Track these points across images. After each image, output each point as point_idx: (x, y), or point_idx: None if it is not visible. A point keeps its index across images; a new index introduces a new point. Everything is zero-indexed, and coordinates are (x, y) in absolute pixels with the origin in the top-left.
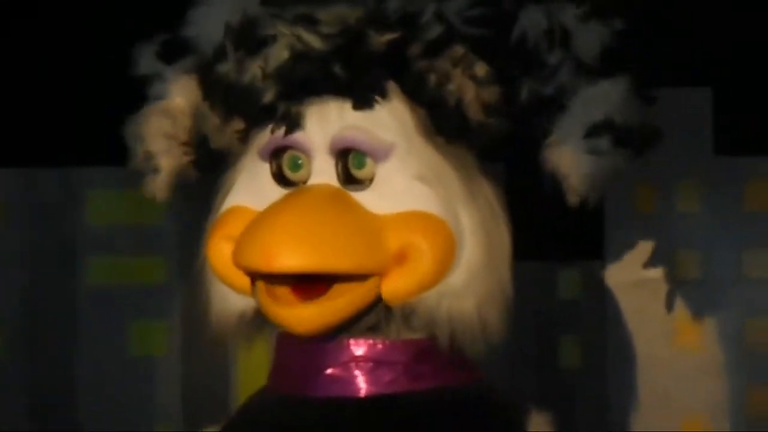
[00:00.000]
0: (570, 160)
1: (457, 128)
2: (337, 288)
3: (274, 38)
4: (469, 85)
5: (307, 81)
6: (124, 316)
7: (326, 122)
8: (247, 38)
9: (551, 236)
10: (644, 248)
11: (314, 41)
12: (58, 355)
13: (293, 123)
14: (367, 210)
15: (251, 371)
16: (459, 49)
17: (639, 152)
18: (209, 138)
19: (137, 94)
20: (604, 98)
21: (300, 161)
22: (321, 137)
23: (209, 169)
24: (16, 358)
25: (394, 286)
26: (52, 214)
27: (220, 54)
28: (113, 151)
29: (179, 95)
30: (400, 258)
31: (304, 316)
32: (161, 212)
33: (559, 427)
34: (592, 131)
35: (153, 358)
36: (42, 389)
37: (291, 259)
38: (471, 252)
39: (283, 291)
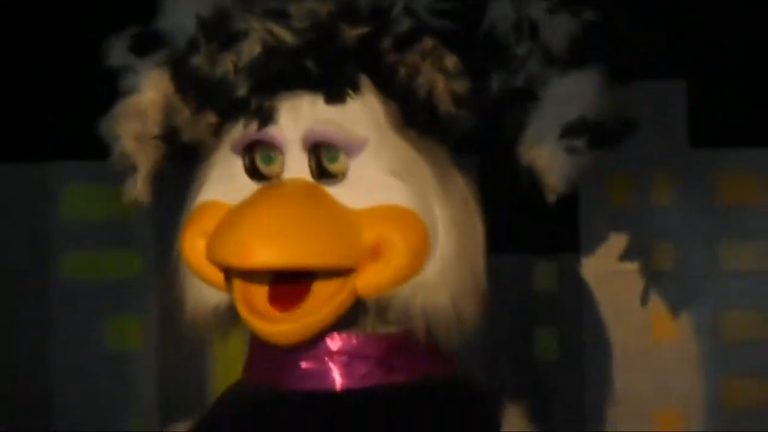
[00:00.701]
0: (547, 160)
1: (427, 121)
2: (316, 292)
3: (246, 33)
4: (438, 78)
5: (279, 75)
6: (99, 311)
7: (299, 117)
8: (220, 32)
9: (527, 229)
10: (619, 240)
11: (286, 36)
12: (33, 350)
13: (266, 117)
14: (341, 204)
15: (227, 364)
16: (428, 42)
17: (615, 145)
18: (181, 131)
19: (111, 87)
20: (577, 92)
21: (273, 156)
22: (294, 132)
23: (181, 162)
24: None
25: (369, 281)
26: (26, 210)
27: (192, 47)
28: (88, 145)
29: (151, 88)
30: (375, 252)
31: (282, 332)
32: (136, 207)
33: (536, 419)
34: (568, 131)
35: (129, 352)
36: (18, 384)
37: (265, 255)
38: (445, 245)
39: (261, 297)
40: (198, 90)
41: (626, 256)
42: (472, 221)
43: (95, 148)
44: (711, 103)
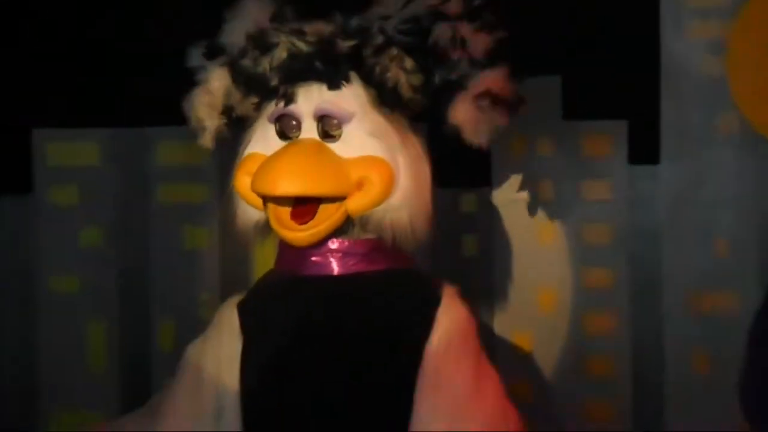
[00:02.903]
0: (467, 122)
1: (394, 102)
2: (321, 211)
3: (277, 44)
4: (401, 74)
5: (298, 72)
6: (181, 223)
7: (311, 98)
8: (260, 44)
9: (457, 171)
10: (518, 179)
11: (303, 46)
12: (137, 251)
13: (289, 99)
14: (338, 155)
15: (265, 258)
16: (394, 51)
17: (511, 111)
18: (235, 108)
19: (192, 79)
20: (489, 78)
21: (294, 123)
22: (307, 108)
23: (234, 128)
24: (111, 251)
25: (356, 205)
26: (133, 158)
27: (243, 53)
28: (174, 116)
29: (216, 80)
30: (359, 186)
31: (299, 237)
32: (206, 156)
33: (461, 294)
34: (480, 96)
35: (201, 250)
36: (127, 270)
37: (287, 186)
38: (404, 182)
39: (285, 213)
40: (246, 81)
41: (522, 189)
42: (422, 166)
43: (179, 118)
44: (578, 91)
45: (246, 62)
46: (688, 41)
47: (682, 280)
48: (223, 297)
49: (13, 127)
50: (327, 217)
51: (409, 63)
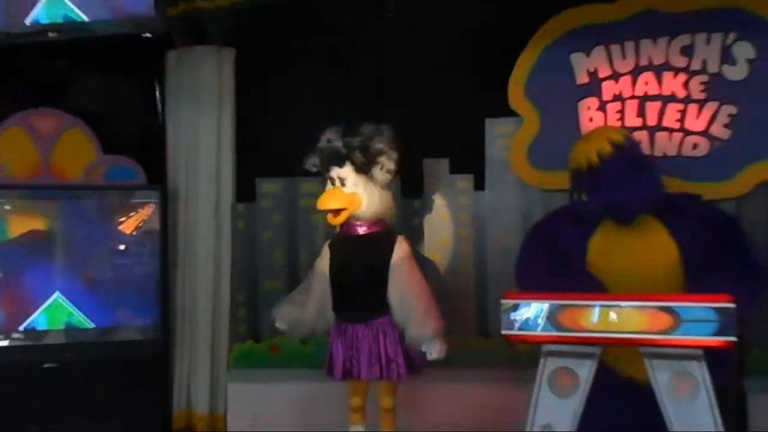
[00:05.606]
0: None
1: (362, 171)
2: (342, 213)
3: (324, 148)
4: (360, 159)
5: (330, 160)
6: (310, 211)
7: (335, 170)
8: (321, 146)
9: (414, 192)
10: (436, 197)
11: (330, 150)
12: (292, 221)
13: (329, 171)
14: (344, 192)
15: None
16: (357, 152)
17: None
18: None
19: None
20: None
21: (331, 179)
22: (334, 174)
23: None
24: (284, 222)
25: (349, 211)
26: (292, 189)
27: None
28: (306, 172)
29: (314, 165)
30: (350, 204)
31: (335, 222)
32: (317, 189)
33: (409, 239)
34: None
35: (317, 222)
36: (289, 228)
37: (323, 204)
38: (365, 203)
39: (329, 215)
40: (320, 161)
41: (437, 200)
42: (378, 196)
43: (308, 173)
44: (457, 164)
45: (319, 155)
46: (495, 146)
47: (496, 232)
48: (326, 238)
49: (247, 178)
50: (343, 215)
51: (359, 157)
